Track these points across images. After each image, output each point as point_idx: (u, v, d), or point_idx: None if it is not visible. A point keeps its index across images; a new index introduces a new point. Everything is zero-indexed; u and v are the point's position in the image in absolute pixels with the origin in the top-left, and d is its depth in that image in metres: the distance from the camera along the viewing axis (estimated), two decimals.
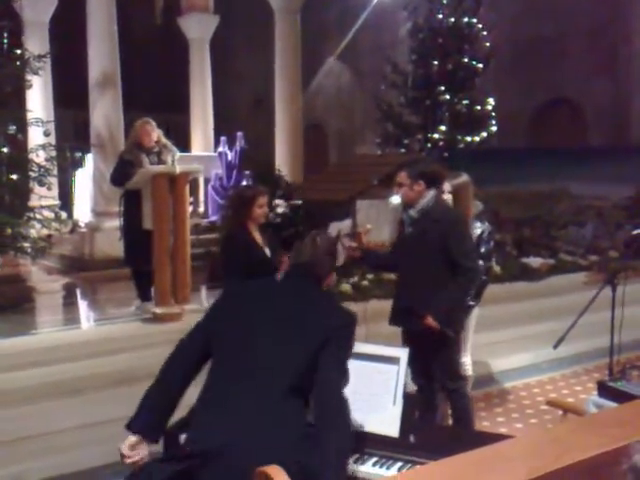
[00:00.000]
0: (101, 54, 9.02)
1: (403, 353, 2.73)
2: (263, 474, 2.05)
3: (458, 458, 1.87)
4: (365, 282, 6.73)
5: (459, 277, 3.91)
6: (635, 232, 5.62)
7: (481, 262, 4.32)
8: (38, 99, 10.86)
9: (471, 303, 4.41)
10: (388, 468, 2.46)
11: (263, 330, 2.47)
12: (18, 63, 6.80)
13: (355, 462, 2.49)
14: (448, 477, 1.75)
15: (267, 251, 4.29)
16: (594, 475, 1.47)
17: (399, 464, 2.48)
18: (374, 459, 2.51)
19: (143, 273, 6.19)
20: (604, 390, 3.38)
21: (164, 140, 6.42)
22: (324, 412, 2.33)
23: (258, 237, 4.27)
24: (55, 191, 10.23)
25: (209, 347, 2.54)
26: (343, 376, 2.44)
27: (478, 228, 4.53)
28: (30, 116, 7.31)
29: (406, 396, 2.64)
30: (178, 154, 6.49)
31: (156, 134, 6.33)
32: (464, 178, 4.56)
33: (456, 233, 3.96)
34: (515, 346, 6.55)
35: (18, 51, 6.98)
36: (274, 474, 2.04)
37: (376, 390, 2.66)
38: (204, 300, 6.74)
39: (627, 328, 4.44)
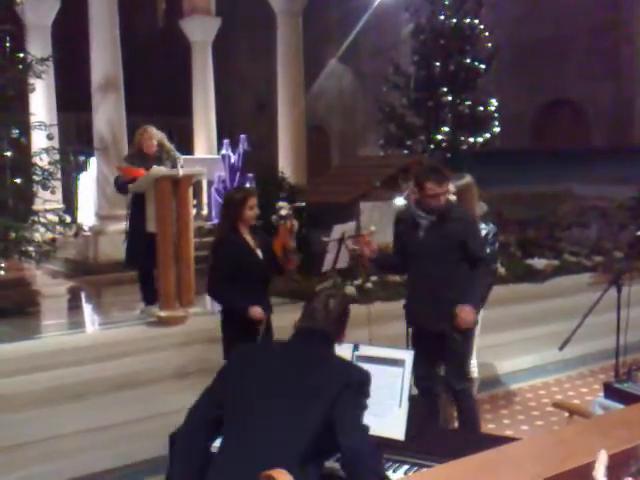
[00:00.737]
0: (103, 57, 9.03)
1: (408, 355, 2.72)
2: (269, 477, 2.04)
3: (464, 461, 1.86)
4: (369, 284, 6.73)
5: (482, 267, 4.07)
6: (639, 233, 5.60)
7: None
8: (41, 103, 10.88)
9: None
10: (394, 471, 2.45)
11: (275, 396, 2.39)
12: (21, 67, 6.81)
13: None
14: None
15: (259, 253, 4.25)
16: None
17: (405, 467, 2.47)
18: None
19: (148, 276, 6.23)
20: (610, 392, 3.37)
21: (168, 145, 6.46)
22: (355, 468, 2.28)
23: (250, 239, 4.24)
24: (59, 195, 10.27)
25: (222, 412, 2.47)
26: (364, 430, 2.35)
27: (483, 229, 4.52)
28: (33, 120, 7.32)
29: (412, 398, 2.63)
30: (182, 159, 6.50)
31: (156, 140, 6.37)
32: (468, 179, 4.56)
33: (474, 229, 4.16)
34: (520, 348, 6.53)
35: (21, 55, 6.98)
36: (279, 477, 2.03)
37: (381, 393, 2.65)
38: (208, 303, 6.74)
39: (633, 329, 4.42)
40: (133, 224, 6.26)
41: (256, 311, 4.05)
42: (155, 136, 6.40)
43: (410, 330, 4.24)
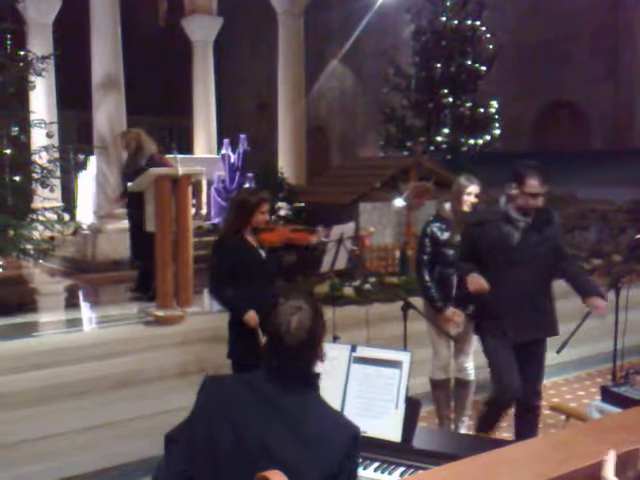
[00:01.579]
0: (104, 56, 9.02)
1: (405, 356, 2.71)
2: (264, 478, 2.03)
3: (460, 463, 1.85)
4: (367, 286, 6.73)
5: (577, 262, 4.07)
6: (639, 236, 5.61)
7: None
8: (41, 100, 10.88)
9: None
10: (390, 473, 2.45)
11: (252, 468, 1.95)
12: (21, 64, 6.80)
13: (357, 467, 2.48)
14: None
15: (262, 253, 4.23)
16: None
17: (401, 469, 2.47)
18: (376, 464, 2.49)
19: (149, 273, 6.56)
20: (607, 395, 3.37)
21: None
22: None
23: (251, 239, 4.22)
24: (58, 193, 10.26)
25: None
26: None
27: None
28: (33, 117, 7.31)
29: (408, 400, 2.62)
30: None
31: (132, 140, 7.01)
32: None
33: (561, 231, 4.01)
34: None
35: (22, 52, 6.98)
36: (274, 478, 2.02)
37: (378, 394, 2.65)
38: (207, 303, 6.74)
39: (631, 332, 4.43)
40: (132, 223, 6.80)
41: (250, 318, 4.02)
42: (127, 136, 7.13)
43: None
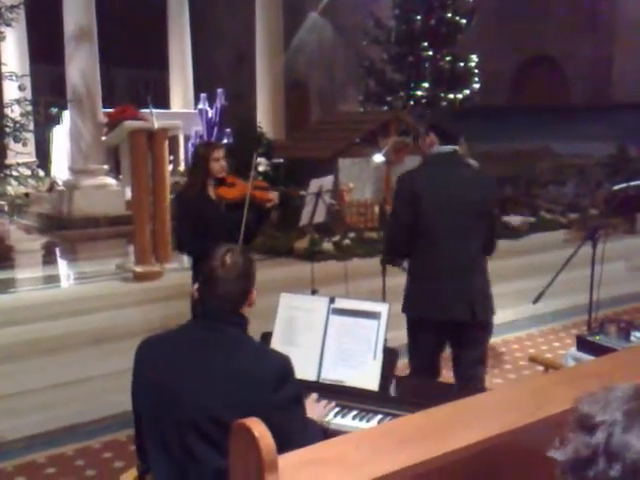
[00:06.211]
0: (76, 7, 8.76)
1: (384, 308, 2.72)
2: (243, 426, 2.04)
3: (435, 410, 1.88)
4: (347, 241, 6.74)
5: None
6: (615, 188, 5.64)
7: None
8: (12, 53, 10.59)
9: None
10: (368, 421, 2.48)
11: (178, 409, 1.95)
12: None
13: (335, 415, 2.50)
14: (425, 429, 1.76)
15: (221, 207, 4.14)
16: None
17: (379, 417, 2.50)
18: (354, 412, 2.52)
19: None
20: (583, 344, 3.42)
21: None
22: None
23: (213, 193, 4.13)
24: (32, 148, 10.07)
25: None
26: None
27: None
28: (4, 70, 7.12)
29: (386, 350, 2.64)
30: None
31: None
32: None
33: None
34: (495, 303, 6.59)
35: None
36: (254, 426, 2.03)
37: (357, 345, 2.66)
38: (185, 259, 6.70)
39: (606, 285, 4.47)
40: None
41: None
42: None
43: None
